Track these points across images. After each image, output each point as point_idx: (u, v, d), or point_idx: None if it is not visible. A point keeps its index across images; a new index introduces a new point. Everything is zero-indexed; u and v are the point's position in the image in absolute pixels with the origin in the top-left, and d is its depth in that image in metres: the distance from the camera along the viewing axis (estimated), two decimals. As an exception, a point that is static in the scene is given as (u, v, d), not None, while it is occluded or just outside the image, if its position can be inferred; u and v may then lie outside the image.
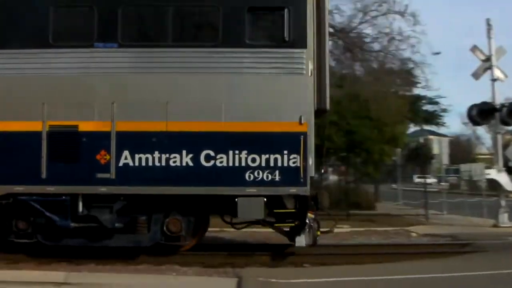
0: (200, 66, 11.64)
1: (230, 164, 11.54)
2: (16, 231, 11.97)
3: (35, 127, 11.60)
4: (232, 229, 13.39)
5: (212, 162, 11.55)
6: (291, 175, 11.52)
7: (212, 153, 11.55)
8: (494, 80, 20.44)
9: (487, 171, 22.60)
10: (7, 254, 11.90)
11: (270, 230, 13.37)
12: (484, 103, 20.61)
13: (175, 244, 12.20)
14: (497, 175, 20.47)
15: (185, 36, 11.90)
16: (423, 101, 35.85)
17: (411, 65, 24.12)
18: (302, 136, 11.51)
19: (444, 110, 38.99)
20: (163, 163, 11.56)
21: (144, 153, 11.58)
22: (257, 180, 11.52)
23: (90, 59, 11.66)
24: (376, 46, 24.14)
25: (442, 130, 45.84)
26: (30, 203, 11.67)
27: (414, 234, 17.89)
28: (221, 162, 11.55)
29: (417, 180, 44.12)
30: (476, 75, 21.00)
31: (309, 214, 12.17)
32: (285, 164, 11.52)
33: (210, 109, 11.55)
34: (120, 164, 11.57)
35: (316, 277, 10.39)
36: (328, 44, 12.71)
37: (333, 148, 26.07)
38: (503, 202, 19.97)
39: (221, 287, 10.16)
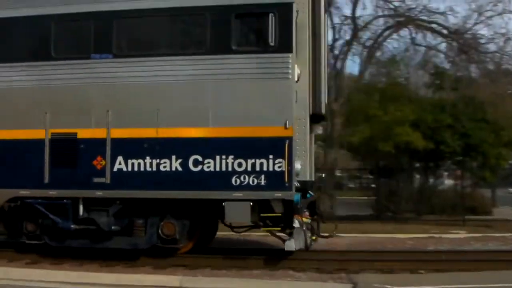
0: (188, 74, 11.94)
1: (217, 169, 11.74)
2: (26, 233, 12.79)
3: (39, 135, 12.37)
4: (347, 235, 13.56)
5: (200, 167, 11.81)
6: (276, 180, 11.55)
7: (200, 158, 11.81)
8: None
9: None
10: (126, 258, 12.54)
11: (387, 235, 13.24)
12: None
13: (171, 247, 12.53)
14: None
15: (173, 45, 12.22)
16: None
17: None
18: (287, 141, 11.52)
19: None
20: (154, 168, 11.95)
21: (137, 159, 12.02)
22: (243, 184, 11.65)
23: (87, 69, 12.29)
24: (491, 47, 24.03)
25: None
26: (35, 206, 12.44)
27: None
28: (208, 167, 11.78)
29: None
30: None
31: (303, 219, 12.19)
32: (271, 169, 11.58)
33: (198, 115, 11.83)
34: (115, 169, 12.09)
35: (433, 284, 10.30)
36: (325, 48, 12.63)
37: (448, 152, 25.71)
38: None
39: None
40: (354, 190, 34.38)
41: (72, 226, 12.35)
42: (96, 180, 12.14)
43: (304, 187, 12.35)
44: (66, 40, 12.53)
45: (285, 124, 11.54)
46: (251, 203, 11.61)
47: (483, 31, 22.97)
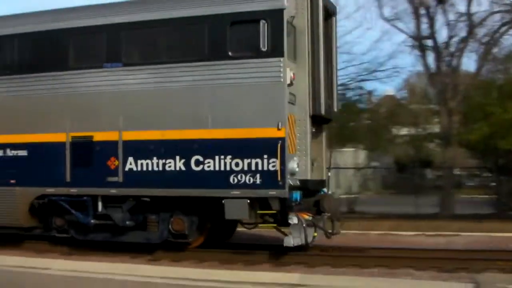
0: (189, 80, 12.73)
1: (217, 168, 12.48)
2: (55, 227, 14.10)
3: (61, 138, 13.60)
4: (468, 233, 14.36)
5: (201, 166, 12.58)
6: (270, 178, 12.14)
7: (201, 158, 12.59)
8: None
9: None
10: (245, 256, 13.08)
11: (509, 235, 14.15)
12: None
13: (181, 242, 13.42)
14: None
15: (175, 53, 13.05)
16: None
17: None
18: (280, 141, 12.08)
19: None
20: (160, 168, 12.86)
21: (145, 159, 12.97)
22: (240, 183, 12.32)
23: (100, 78, 13.36)
24: None
25: None
26: (59, 203, 13.69)
27: None
28: (208, 167, 12.53)
29: None
30: None
31: (305, 216, 12.70)
32: (265, 168, 12.18)
33: (199, 118, 12.60)
34: (126, 169, 13.09)
35: None
36: (323, 52, 13.02)
37: None
38: None
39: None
40: (473, 188, 33.53)
41: (92, 221, 13.50)
42: (110, 179, 13.20)
43: (305, 186, 12.85)
44: (82, 51, 13.66)
45: (278, 125, 12.10)
46: (248, 201, 12.28)
47: None
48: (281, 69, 12.13)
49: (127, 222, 13.33)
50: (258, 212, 12.51)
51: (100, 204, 13.50)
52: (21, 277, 11.98)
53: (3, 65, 14.38)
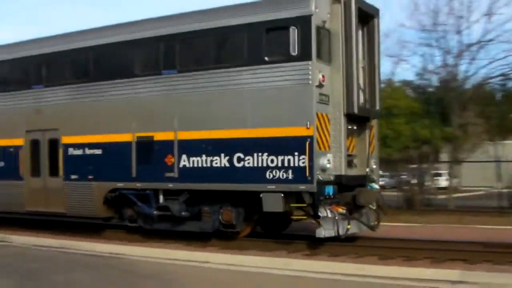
0: (231, 84, 13.95)
1: (255, 164, 13.59)
2: (127, 218, 15.92)
3: (128, 138, 15.37)
4: None
5: (242, 163, 13.76)
6: (300, 174, 13.07)
7: (242, 155, 13.77)
8: None
9: None
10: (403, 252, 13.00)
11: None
12: None
13: (231, 231, 14.67)
14: None
15: (220, 59, 14.32)
16: None
17: None
18: (308, 139, 12.98)
19: None
20: (208, 164, 14.20)
21: (196, 156, 14.37)
22: (275, 178, 13.35)
23: (159, 83, 14.96)
24: None
25: None
26: (128, 196, 15.47)
27: None
28: (248, 163, 13.69)
29: None
30: None
31: (339, 209, 13.47)
32: (296, 164, 13.13)
33: (239, 118, 13.79)
34: (181, 165, 14.58)
35: None
36: (356, 54, 13.68)
37: None
38: None
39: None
40: None
41: (155, 212, 15.14)
42: (167, 174, 14.75)
43: (339, 181, 13.59)
44: (144, 60, 15.36)
45: (307, 124, 12.99)
46: (283, 195, 13.27)
47: None
48: (310, 72, 13.01)
49: (183, 213, 14.80)
50: (292, 205, 13.45)
51: (161, 197, 15.10)
52: (184, 270, 12.63)
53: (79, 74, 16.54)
